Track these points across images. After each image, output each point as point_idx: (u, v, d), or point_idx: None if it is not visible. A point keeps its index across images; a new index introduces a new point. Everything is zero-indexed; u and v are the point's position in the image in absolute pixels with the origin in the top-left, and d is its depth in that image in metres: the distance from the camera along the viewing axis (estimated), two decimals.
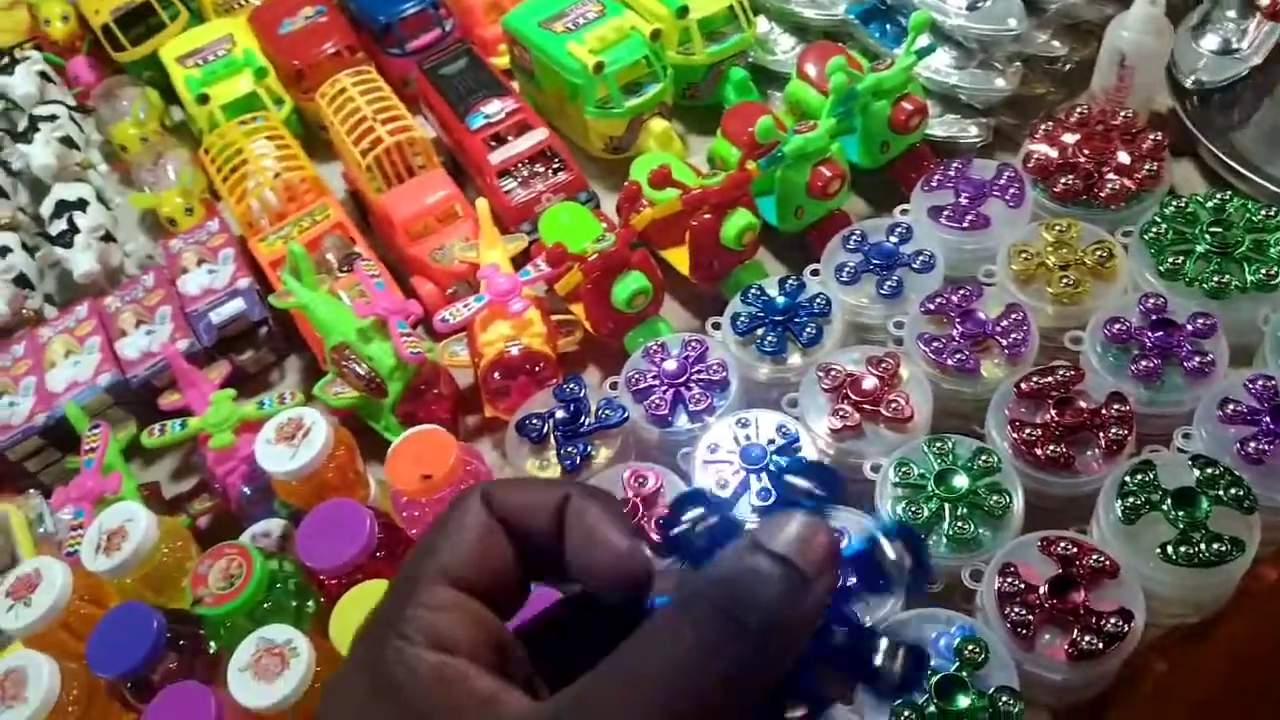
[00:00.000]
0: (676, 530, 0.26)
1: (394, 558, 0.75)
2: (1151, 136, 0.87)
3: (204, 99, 1.12)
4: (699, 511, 0.27)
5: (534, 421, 0.82)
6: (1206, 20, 0.97)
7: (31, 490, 0.94)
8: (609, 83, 0.99)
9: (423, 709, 0.27)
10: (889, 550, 0.25)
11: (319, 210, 1.02)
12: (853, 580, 0.25)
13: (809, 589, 0.24)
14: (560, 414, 0.81)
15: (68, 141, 1.18)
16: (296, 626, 0.70)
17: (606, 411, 0.81)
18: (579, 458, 0.79)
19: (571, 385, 0.83)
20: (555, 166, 1.01)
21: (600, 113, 1.01)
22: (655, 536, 0.29)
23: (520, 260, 0.94)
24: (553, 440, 0.81)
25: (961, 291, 0.80)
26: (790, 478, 0.28)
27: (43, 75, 1.26)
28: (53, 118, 1.19)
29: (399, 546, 0.77)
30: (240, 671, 0.69)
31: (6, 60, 1.27)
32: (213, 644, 0.76)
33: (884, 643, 0.27)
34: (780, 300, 0.84)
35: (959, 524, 0.70)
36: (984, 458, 0.72)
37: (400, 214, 0.98)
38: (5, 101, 1.25)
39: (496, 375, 0.88)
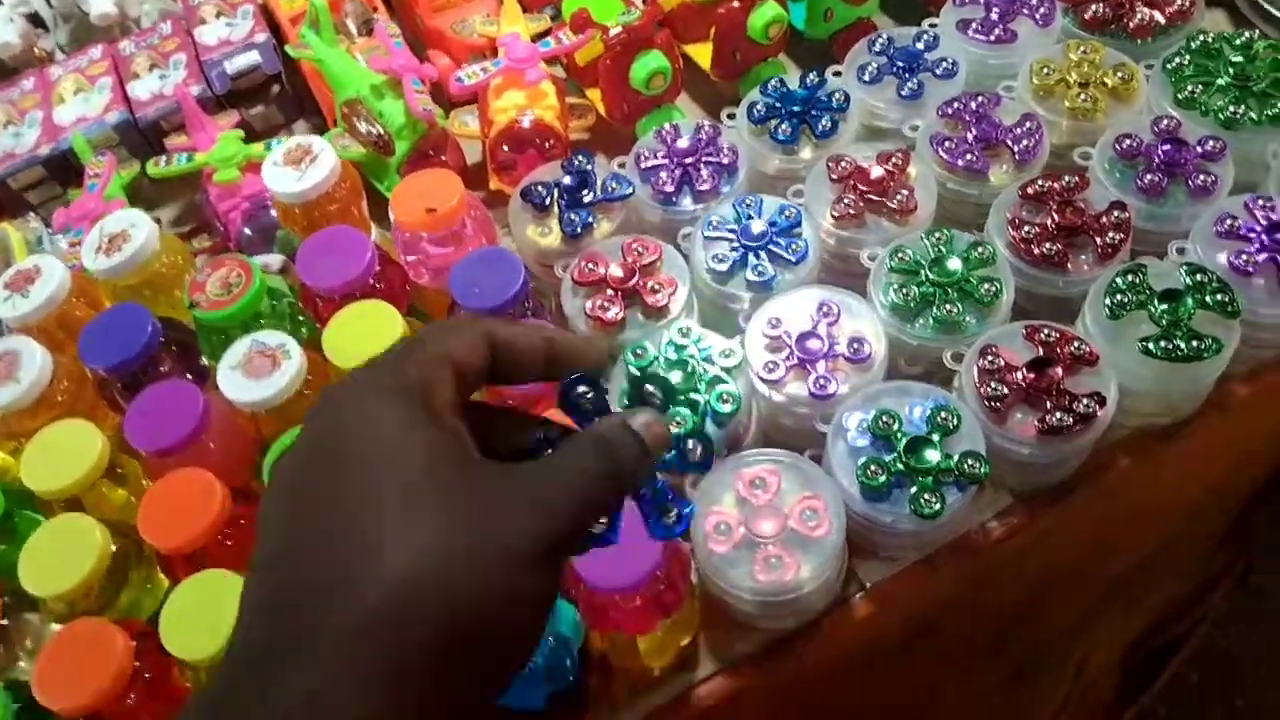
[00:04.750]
0: (571, 398, 0.41)
1: (391, 291, 0.77)
2: None
3: None
4: (586, 389, 0.41)
5: (539, 189, 0.82)
6: None
7: (30, 214, 0.94)
8: None
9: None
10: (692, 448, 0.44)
11: None
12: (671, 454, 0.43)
13: (647, 454, 0.39)
14: (566, 181, 0.82)
15: None
16: None
17: (612, 184, 0.81)
18: (580, 226, 0.80)
19: (580, 158, 0.83)
20: None
21: None
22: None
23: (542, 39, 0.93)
24: (556, 209, 0.82)
25: (979, 98, 0.80)
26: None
27: None
28: None
29: (397, 281, 0.78)
30: (231, 369, 0.70)
31: None
32: (205, 359, 0.78)
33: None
34: (800, 92, 0.84)
35: (947, 307, 0.71)
36: (980, 249, 0.73)
37: None
38: None
39: (505, 147, 0.88)
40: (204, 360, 0.77)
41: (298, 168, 0.78)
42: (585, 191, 0.82)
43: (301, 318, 0.78)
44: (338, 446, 0.35)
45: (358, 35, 0.99)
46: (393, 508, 0.33)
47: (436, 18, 0.97)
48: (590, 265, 0.76)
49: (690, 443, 0.44)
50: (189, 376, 0.76)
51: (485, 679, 0.35)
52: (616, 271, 0.75)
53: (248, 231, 0.88)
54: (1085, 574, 0.86)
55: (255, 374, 0.69)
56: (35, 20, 1.07)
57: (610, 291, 0.75)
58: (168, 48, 1.01)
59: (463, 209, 0.76)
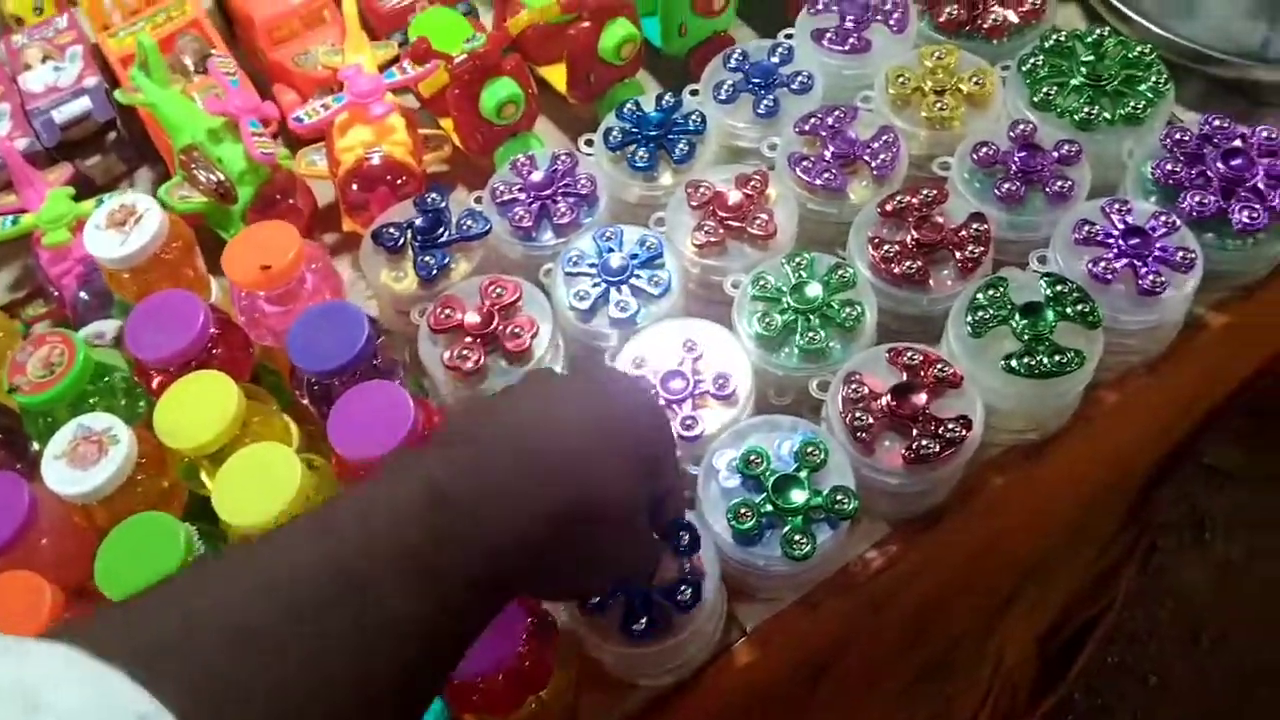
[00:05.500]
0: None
1: (231, 357, 0.72)
2: None
3: None
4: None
5: (391, 230, 0.78)
6: None
7: None
8: None
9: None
10: None
11: (175, 7, 0.95)
12: None
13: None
14: (419, 222, 0.78)
15: None
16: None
17: (468, 222, 0.78)
18: (436, 269, 0.76)
19: (433, 195, 0.79)
20: None
21: None
22: None
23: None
24: (410, 251, 0.78)
25: (836, 113, 0.79)
26: None
27: None
28: None
29: (237, 345, 0.73)
30: (55, 459, 0.65)
31: None
32: (35, 444, 0.73)
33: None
34: (655, 115, 0.81)
35: (810, 334, 0.69)
36: (841, 272, 0.72)
37: (261, 14, 0.92)
38: None
39: (355, 186, 0.84)
40: (35, 446, 0.72)
41: (121, 230, 0.73)
42: (440, 230, 0.78)
43: (138, 392, 0.73)
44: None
45: (195, 72, 0.93)
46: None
47: (278, 50, 0.92)
48: (446, 311, 0.73)
49: None
50: (19, 467, 0.71)
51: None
52: (474, 318, 0.72)
53: (84, 296, 0.82)
54: (976, 588, 0.86)
55: (81, 462, 0.64)
56: None
57: (469, 339, 0.72)
58: None
59: (300, 264, 0.72)
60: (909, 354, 0.68)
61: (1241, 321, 0.76)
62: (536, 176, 0.79)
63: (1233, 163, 0.73)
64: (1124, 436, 0.78)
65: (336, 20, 0.93)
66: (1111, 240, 0.71)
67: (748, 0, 0.92)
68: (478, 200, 0.81)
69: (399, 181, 0.84)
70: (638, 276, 0.74)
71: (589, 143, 0.83)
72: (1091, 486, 0.84)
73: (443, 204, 0.79)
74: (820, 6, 0.86)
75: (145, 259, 0.72)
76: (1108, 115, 0.77)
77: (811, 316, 0.70)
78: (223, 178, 0.82)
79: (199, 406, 0.65)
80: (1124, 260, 0.70)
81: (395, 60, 0.89)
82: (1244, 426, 1.59)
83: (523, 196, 0.79)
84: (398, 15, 0.93)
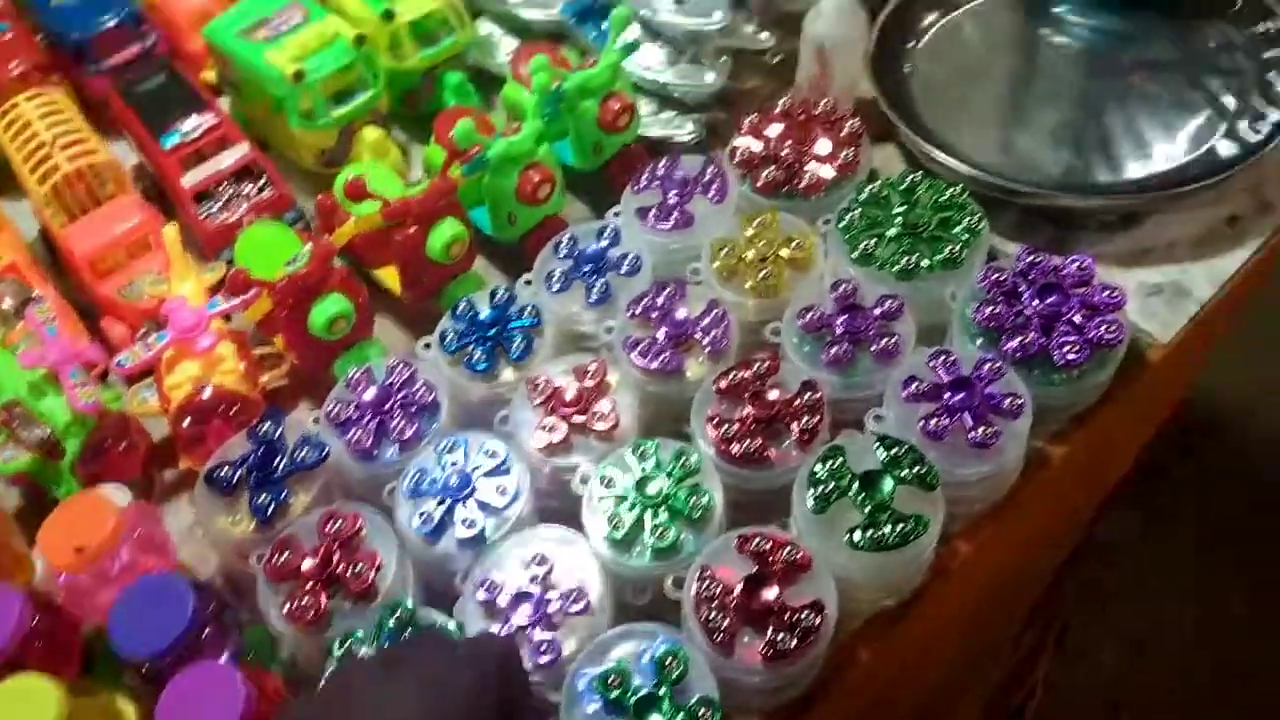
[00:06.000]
0: None
1: (55, 645, 0.67)
2: (850, 124, 0.88)
3: None
4: None
5: (225, 470, 0.75)
6: None
7: None
8: (312, 92, 0.93)
9: None
10: None
11: None
12: None
13: None
14: (250, 459, 0.75)
15: None
16: None
17: (304, 451, 0.76)
18: (272, 507, 0.73)
19: (267, 424, 0.77)
20: (260, 185, 0.95)
21: (306, 124, 0.95)
22: None
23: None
24: (246, 489, 0.75)
25: (666, 291, 0.79)
26: None
27: None
28: None
29: (61, 631, 0.69)
30: None
31: None
32: None
33: None
34: (488, 314, 0.80)
35: (660, 530, 0.68)
36: (684, 459, 0.71)
37: (83, 248, 0.90)
38: None
39: (187, 422, 0.81)
40: None
41: None
42: (276, 463, 0.76)
43: None
44: None
45: (15, 317, 0.90)
46: None
47: (103, 284, 0.90)
48: (284, 555, 0.70)
49: None
50: None
51: None
52: (310, 562, 0.69)
53: None
54: None
55: None
56: None
57: (309, 584, 0.69)
58: None
59: (116, 540, 0.68)
60: (757, 540, 0.67)
61: (1081, 450, 0.77)
62: (370, 394, 0.78)
63: (1048, 300, 0.75)
64: (984, 580, 0.78)
65: (162, 245, 0.91)
66: (940, 394, 0.71)
67: (575, 182, 0.93)
68: (316, 421, 0.79)
69: (233, 411, 0.81)
70: (482, 489, 0.72)
71: (427, 346, 0.82)
72: (968, 623, 0.84)
73: (277, 433, 0.77)
74: (643, 184, 0.87)
75: None
76: (926, 262, 0.79)
77: (659, 511, 0.69)
78: (47, 433, 0.79)
79: (17, 713, 0.61)
80: (954, 414, 0.70)
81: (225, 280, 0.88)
82: (1136, 495, 1.62)
83: (359, 415, 0.77)
84: (225, 232, 0.92)
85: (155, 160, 0.97)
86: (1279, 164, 0.90)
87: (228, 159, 0.95)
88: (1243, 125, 0.91)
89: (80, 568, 0.67)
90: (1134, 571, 1.64)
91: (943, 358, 0.73)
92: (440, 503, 0.72)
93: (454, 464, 0.74)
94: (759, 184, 0.86)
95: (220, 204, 0.94)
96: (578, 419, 0.75)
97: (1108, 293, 0.75)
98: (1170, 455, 1.67)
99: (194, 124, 0.96)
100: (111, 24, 1.08)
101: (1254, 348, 1.77)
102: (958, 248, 0.79)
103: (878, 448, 0.69)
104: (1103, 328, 0.73)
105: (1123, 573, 1.63)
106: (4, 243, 0.93)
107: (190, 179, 0.94)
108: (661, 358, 0.76)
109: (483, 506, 0.72)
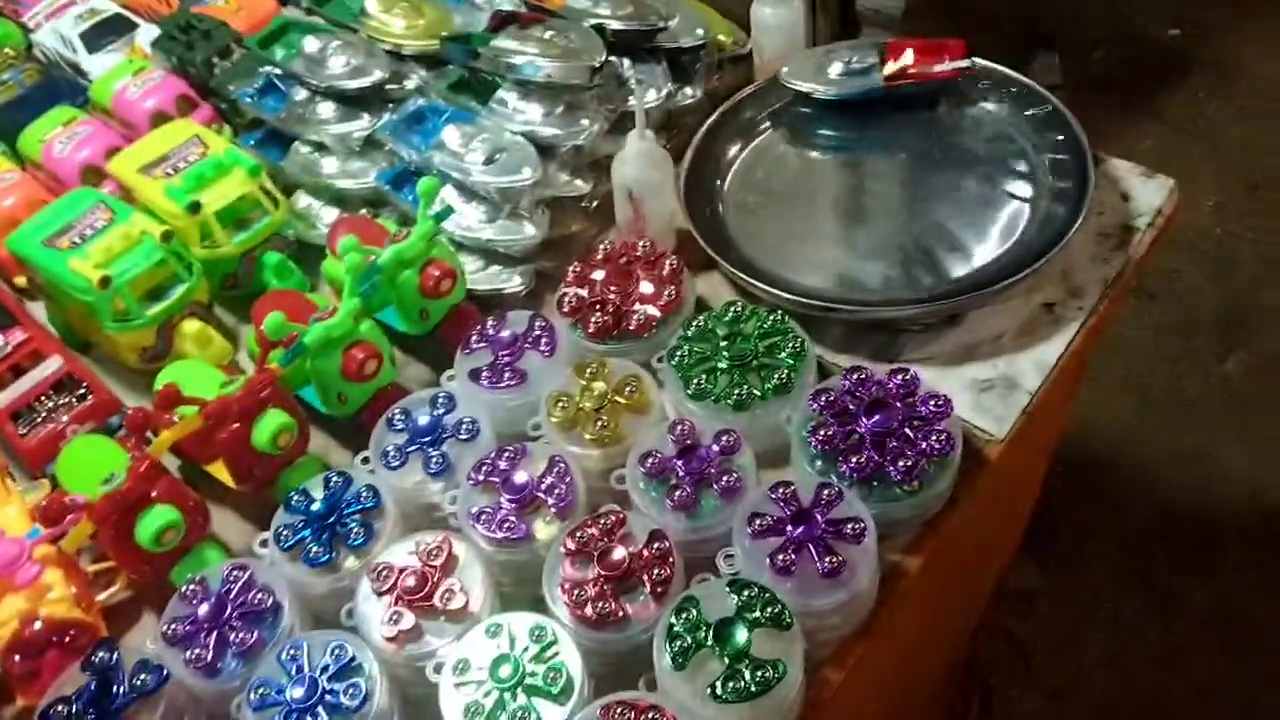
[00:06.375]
0: None
1: None
2: (669, 262, 0.89)
3: None
4: None
5: (59, 708, 0.70)
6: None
7: None
8: (122, 294, 0.91)
9: None
10: None
11: None
12: None
13: None
14: (85, 693, 0.70)
15: None
16: None
17: (142, 677, 0.71)
18: None
19: (101, 653, 0.72)
20: (80, 393, 0.91)
21: (121, 326, 0.92)
22: None
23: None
24: None
25: (506, 454, 0.78)
26: None
27: None
28: None
29: None
30: None
31: None
32: None
33: None
34: (320, 504, 0.78)
35: (520, 716, 0.66)
36: (539, 633, 0.69)
37: None
38: None
39: (18, 659, 0.76)
40: None
41: None
42: (115, 689, 0.71)
43: None
44: None
45: None
46: None
47: None
48: None
49: None
50: None
51: None
52: None
53: None
54: None
55: None
56: None
57: None
58: None
59: None
60: (619, 710, 0.65)
61: (937, 557, 0.78)
62: (205, 609, 0.74)
63: (877, 417, 0.77)
64: (868, 694, 0.77)
65: None
66: (783, 527, 0.72)
67: (410, 346, 0.93)
68: (153, 640, 0.75)
69: (68, 639, 0.76)
70: (331, 693, 0.69)
71: (263, 544, 0.79)
72: None
73: (112, 660, 0.72)
74: (474, 345, 0.87)
75: None
76: (758, 391, 0.80)
77: (517, 693, 0.67)
78: None
79: None
80: (799, 548, 0.70)
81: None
82: (1037, 547, 1.66)
83: (196, 630, 0.73)
84: (47, 444, 0.88)
85: None
86: (1083, 245, 0.95)
87: (40, 373, 0.91)
88: (1043, 208, 0.95)
89: None
90: (1042, 624, 1.65)
91: (782, 490, 0.73)
92: (288, 713, 0.68)
93: (298, 670, 0.70)
94: (589, 330, 0.87)
95: (40, 417, 0.90)
96: (423, 604, 0.72)
97: (934, 401, 0.77)
98: (1056, 500, 1.70)
99: (1, 342, 0.93)
100: None
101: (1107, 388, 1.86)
102: (785, 373, 0.81)
103: (729, 592, 0.68)
104: (933, 438, 0.75)
105: (1032, 625, 1.65)
106: None
107: (5, 397, 0.89)
108: (506, 525, 0.75)
109: (334, 710, 0.68)
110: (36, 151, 1.13)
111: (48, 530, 0.78)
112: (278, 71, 1.11)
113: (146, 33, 1.28)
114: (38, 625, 0.75)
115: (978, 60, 1.04)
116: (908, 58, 1.03)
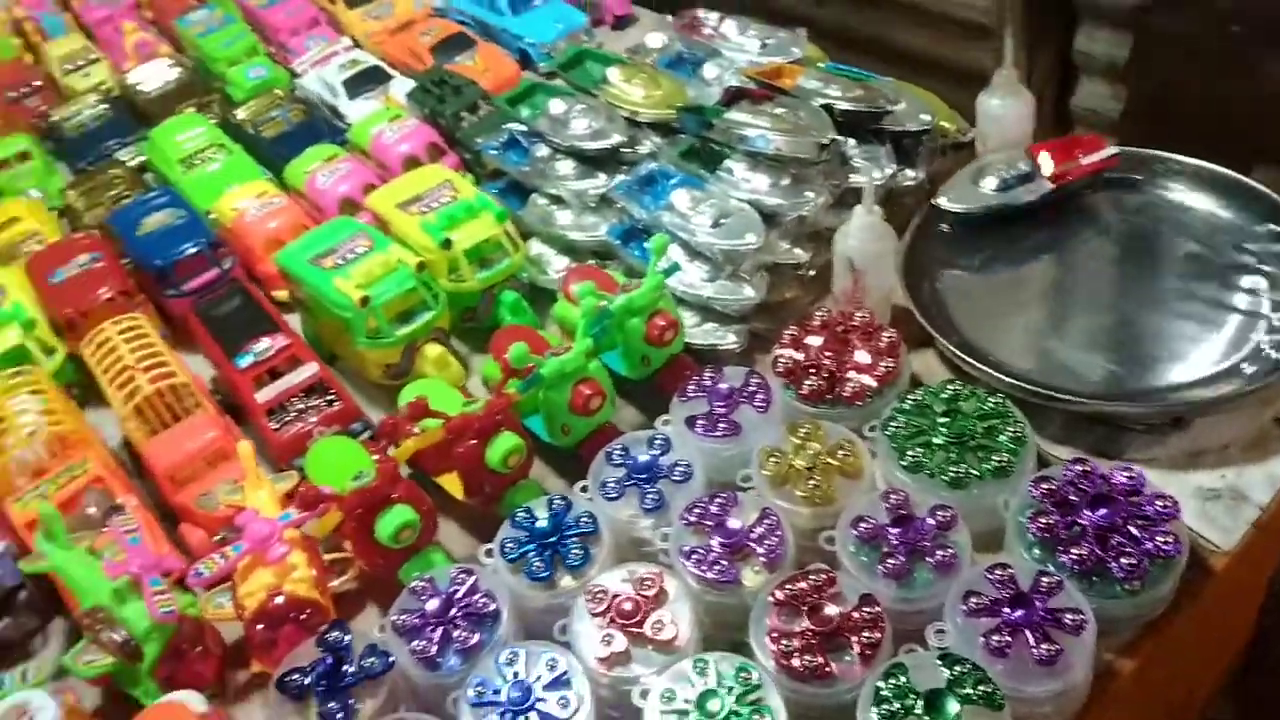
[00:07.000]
0: None
1: None
2: (887, 335, 0.92)
3: None
4: None
5: (294, 677, 0.77)
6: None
7: None
8: (377, 314, 1.00)
9: None
10: None
11: (78, 466, 0.98)
12: None
13: None
14: (321, 667, 0.77)
15: None
16: None
17: (370, 660, 0.77)
18: (340, 714, 0.74)
19: (335, 633, 0.79)
20: (329, 399, 1.00)
21: (372, 343, 1.01)
22: None
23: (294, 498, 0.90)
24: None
25: (718, 500, 0.82)
26: None
27: None
28: None
29: None
30: None
31: None
32: None
33: None
34: (545, 523, 0.83)
35: None
36: (745, 674, 0.71)
37: (162, 462, 0.95)
38: None
39: (260, 627, 0.83)
40: None
41: None
42: (345, 668, 0.77)
43: None
44: None
45: (103, 523, 0.94)
46: None
47: (180, 493, 0.95)
48: None
49: None
50: None
51: None
52: None
53: None
54: None
55: None
56: None
57: None
58: None
59: None
60: None
61: (1154, 662, 0.76)
62: (434, 604, 0.79)
63: (1101, 511, 0.76)
64: None
65: (236, 455, 0.96)
66: (1000, 609, 0.72)
67: (626, 389, 0.98)
68: (382, 629, 0.81)
69: (303, 617, 0.84)
70: (543, 701, 0.73)
71: (489, 553, 0.84)
72: None
73: (344, 641, 0.78)
74: (690, 394, 0.91)
75: None
76: (976, 472, 0.81)
77: None
78: (127, 639, 0.81)
79: None
80: (1015, 631, 0.71)
81: (297, 489, 0.92)
82: (1238, 685, 1.54)
83: (423, 624, 0.79)
84: (296, 442, 0.97)
85: (229, 377, 1.03)
86: None
87: (297, 376, 1.01)
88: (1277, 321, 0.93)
89: None
90: None
91: (1000, 571, 0.74)
92: (503, 714, 0.72)
93: (515, 675, 0.74)
94: (803, 392, 0.90)
95: (291, 416, 0.99)
96: (635, 630, 0.76)
97: (1161, 502, 0.76)
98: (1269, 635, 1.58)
99: (266, 345, 1.03)
100: (191, 251, 1.17)
101: None
102: (1006, 457, 0.81)
103: (941, 665, 0.69)
104: (1159, 539, 0.74)
105: None
106: (93, 455, 0.98)
107: (264, 394, 0.99)
108: (717, 567, 0.78)
109: (545, 718, 0.72)
110: (301, 182, 1.27)
111: (299, 515, 0.86)
112: (522, 128, 1.21)
113: (399, 85, 1.42)
114: (280, 600, 0.83)
115: (1202, 163, 1.04)
116: (1058, 156, 1.05)
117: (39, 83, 1.63)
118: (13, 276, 1.21)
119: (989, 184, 1.07)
